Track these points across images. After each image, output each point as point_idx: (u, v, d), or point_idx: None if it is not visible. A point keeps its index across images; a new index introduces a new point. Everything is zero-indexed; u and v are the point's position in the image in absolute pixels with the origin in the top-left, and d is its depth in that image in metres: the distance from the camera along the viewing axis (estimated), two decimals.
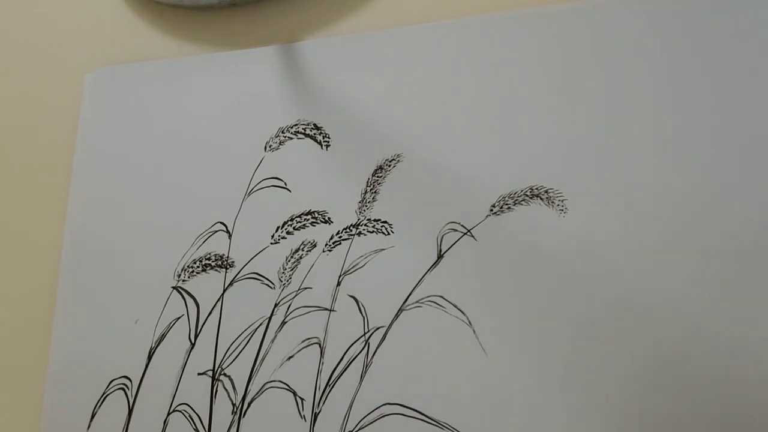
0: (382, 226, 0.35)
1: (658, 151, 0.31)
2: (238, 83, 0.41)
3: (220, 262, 0.38)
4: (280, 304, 0.36)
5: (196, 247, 0.39)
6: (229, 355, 0.36)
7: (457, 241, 0.33)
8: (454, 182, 0.34)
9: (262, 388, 0.35)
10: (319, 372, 0.34)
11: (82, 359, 0.39)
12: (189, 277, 0.38)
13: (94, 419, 0.38)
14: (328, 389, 0.34)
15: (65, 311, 0.41)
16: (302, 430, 0.33)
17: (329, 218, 0.36)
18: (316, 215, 0.37)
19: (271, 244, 0.37)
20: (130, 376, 0.38)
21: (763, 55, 0.31)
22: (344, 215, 0.36)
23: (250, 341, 0.36)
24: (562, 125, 0.33)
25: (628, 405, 0.29)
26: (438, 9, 0.38)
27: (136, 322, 0.39)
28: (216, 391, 0.36)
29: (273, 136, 0.39)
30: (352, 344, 0.34)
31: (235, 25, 0.43)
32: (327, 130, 0.38)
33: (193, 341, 0.37)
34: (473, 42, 0.36)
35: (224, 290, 0.37)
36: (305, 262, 0.36)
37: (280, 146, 0.39)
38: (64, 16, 0.49)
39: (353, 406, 0.33)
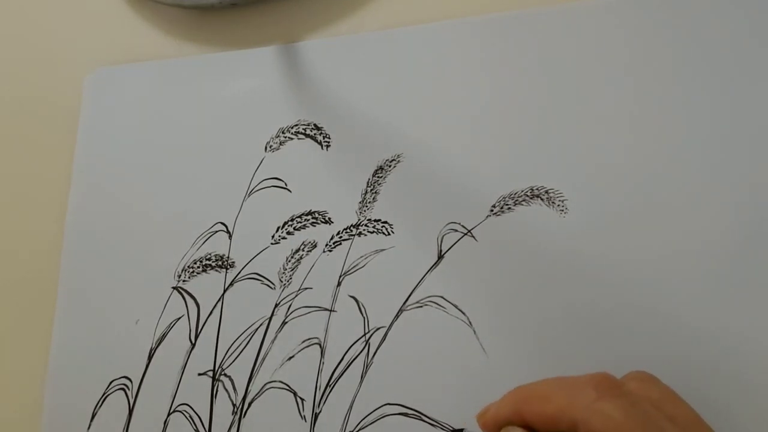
0: (382, 227, 0.35)
1: (659, 150, 0.31)
2: (238, 83, 0.41)
3: (220, 263, 0.38)
4: (281, 304, 0.36)
5: (197, 247, 0.39)
6: (230, 356, 0.36)
7: (457, 241, 0.33)
8: (454, 182, 0.34)
9: (262, 388, 0.35)
10: (319, 372, 0.34)
11: (83, 359, 0.39)
12: (189, 278, 0.38)
13: (95, 419, 0.38)
14: (328, 389, 0.34)
15: (65, 311, 0.41)
16: (302, 430, 0.34)
17: (329, 218, 0.36)
18: (317, 215, 0.37)
19: (272, 244, 0.37)
20: (130, 377, 0.38)
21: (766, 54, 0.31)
22: (344, 215, 0.36)
23: (251, 341, 0.36)
24: (562, 125, 0.33)
25: None
26: (438, 9, 0.38)
27: (136, 323, 0.39)
28: (216, 391, 0.36)
29: (273, 136, 0.39)
30: (353, 344, 0.34)
31: (235, 25, 0.43)
32: (327, 130, 0.38)
33: (193, 341, 0.37)
34: (473, 42, 0.36)
35: (224, 290, 0.37)
36: (305, 263, 0.36)
37: (281, 146, 0.39)
38: (64, 15, 0.49)
39: (353, 406, 0.33)
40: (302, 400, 0.34)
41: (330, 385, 0.34)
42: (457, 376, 0.31)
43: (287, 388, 0.34)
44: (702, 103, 0.31)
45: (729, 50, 0.31)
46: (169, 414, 0.36)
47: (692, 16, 0.32)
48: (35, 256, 0.43)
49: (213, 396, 0.36)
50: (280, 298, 0.36)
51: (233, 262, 0.38)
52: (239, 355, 0.36)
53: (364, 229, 0.35)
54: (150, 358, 0.38)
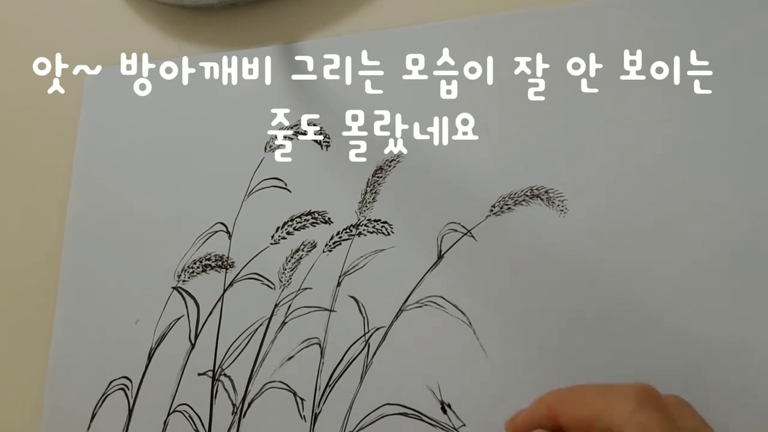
0: (382, 227, 0.35)
1: (660, 150, 0.31)
2: (238, 83, 0.41)
3: (220, 263, 0.38)
4: (281, 304, 0.36)
5: (196, 247, 0.39)
6: (230, 356, 0.36)
7: (457, 241, 0.33)
8: (454, 182, 0.34)
9: (262, 388, 0.35)
10: (319, 372, 0.34)
11: (82, 359, 0.39)
12: (189, 278, 0.38)
13: (95, 419, 0.38)
14: (328, 389, 0.34)
15: (65, 311, 0.41)
16: (302, 430, 0.34)
17: (329, 218, 0.36)
18: (316, 215, 0.37)
19: (271, 244, 0.37)
20: (130, 377, 0.38)
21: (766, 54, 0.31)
22: (344, 215, 0.36)
23: (251, 341, 0.36)
24: (562, 125, 0.33)
25: None
26: (438, 9, 0.38)
27: (136, 323, 0.39)
28: (216, 391, 0.36)
29: (273, 136, 0.39)
30: (353, 344, 0.34)
31: (235, 25, 0.43)
32: (327, 130, 0.38)
33: (193, 342, 0.37)
34: (473, 42, 0.36)
35: (224, 290, 0.37)
36: (305, 263, 0.36)
37: (280, 146, 0.39)
38: (64, 15, 0.49)
39: (353, 406, 0.33)
40: (302, 400, 0.34)
41: (330, 385, 0.34)
42: (457, 376, 0.31)
43: (287, 388, 0.34)
44: (705, 103, 0.31)
45: (732, 50, 0.31)
46: (169, 414, 0.36)
47: (694, 14, 0.32)
48: (35, 256, 0.43)
49: (213, 396, 0.36)
50: (280, 298, 0.36)
51: (233, 262, 0.38)
52: (239, 355, 0.36)
53: (364, 229, 0.35)
54: (150, 358, 0.38)
